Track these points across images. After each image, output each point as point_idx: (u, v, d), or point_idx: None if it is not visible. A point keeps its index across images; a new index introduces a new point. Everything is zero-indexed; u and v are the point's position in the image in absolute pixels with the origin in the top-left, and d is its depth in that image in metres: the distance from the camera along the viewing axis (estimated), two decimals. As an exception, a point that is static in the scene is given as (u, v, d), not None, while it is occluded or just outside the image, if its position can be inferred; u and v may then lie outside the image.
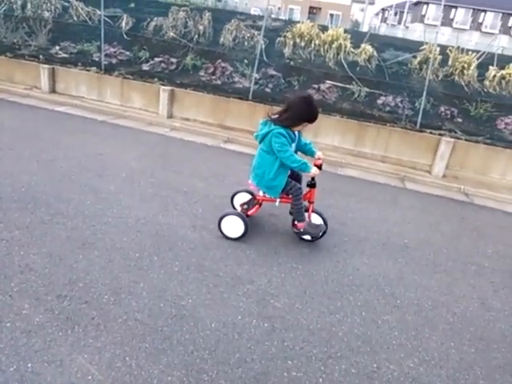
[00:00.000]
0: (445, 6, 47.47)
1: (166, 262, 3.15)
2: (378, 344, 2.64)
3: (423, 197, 5.58)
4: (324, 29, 9.43)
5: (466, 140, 6.32)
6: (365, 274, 3.41)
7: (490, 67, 7.88)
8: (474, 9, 46.59)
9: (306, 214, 3.64)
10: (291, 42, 8.97)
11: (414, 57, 8.26)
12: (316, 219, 3.72)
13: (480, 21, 46.65)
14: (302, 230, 3.59)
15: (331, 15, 45.24)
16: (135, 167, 5.02)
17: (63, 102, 7.82)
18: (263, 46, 8.55)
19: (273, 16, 15.58)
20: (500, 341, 2.84)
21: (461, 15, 47.34)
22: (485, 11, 46.44)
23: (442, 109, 7.22)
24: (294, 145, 3.43)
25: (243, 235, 3.56)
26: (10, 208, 3.61)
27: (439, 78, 7.97)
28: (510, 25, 45.92)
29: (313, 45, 8.89)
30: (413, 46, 8.76)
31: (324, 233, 3.68)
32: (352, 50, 8.64)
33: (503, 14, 45.70)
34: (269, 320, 2.69)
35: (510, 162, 6.14)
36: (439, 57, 8.03)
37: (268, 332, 2.59)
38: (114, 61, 8.93)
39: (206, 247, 3.44)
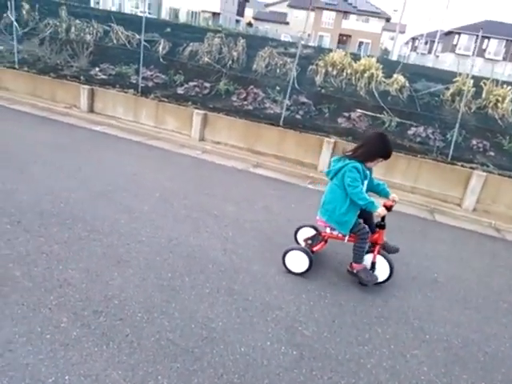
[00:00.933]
0: (477, 36, 47.47)
1: (197, 283, 3.22)
2: (407, 379, 2.61)
3: (453, 230, 5.50)
4: (356, 58, 9.58)
5: (498, 174, 6.23)
6: (394, 307, 3.39)
7: (525, 101, 7.81)
8: (507, 40, 46.18)
9: (369, 256, 3.56)
10: (323, 70, 9.13)
11: (447, 88, 8.26)
12: (381, 262, 3.56)
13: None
14: (355, 271, 3.51)
15: (360, 43, 45.85)
16: (168, 188, 5.17)
17: (100, 122, 8.15)
18: (295, 74, 8.73)
19: (302, 43, 15.93)
20: (534, 384, 2.77)
21: (494, 46, 47.02)
22: (518, 42, 45.92)
23: (474, 142, 7.16)
24: (365, 182, 3.42)
25: (307, 271, 3.55)
26: (50, 223, 3.78)
27: (472, 111, 7.94)
28: (544, 57, 45.22)
29: (345, 73, 9.03)
30: (445, 77, 8.78)
31: (388, 279, 3.56)
32: (384, 79, 8.72)
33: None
34: (297, 348, 2.71)
35: (500, 186, 6.02)
36: (473, 89, 8.01)
37: (296, 360, 2.61)
38: (150, 84, 9.29)
39: (236, 271, 3.50)
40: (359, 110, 8.00)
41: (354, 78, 8.96)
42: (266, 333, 2.80)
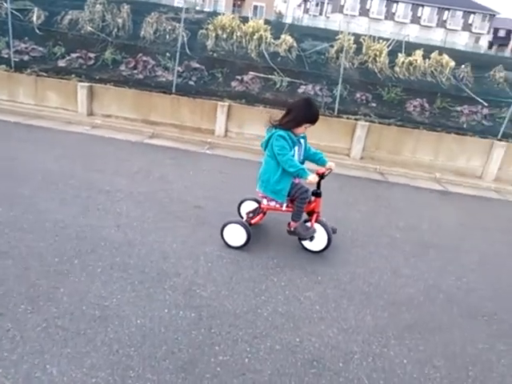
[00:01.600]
0: (362, -4, 49.81)
1: (87, 264, 3.08)
2: (301, 319, 2.79)
3: (342, 178, 5.88)
4: (245, 20, 9.53)
5: (379, 123, 6.74)
6: (288, 255, 3.56)
7: (399, 54, 8.42)
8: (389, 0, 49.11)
9: (309, 224, 3.54)
10: (213, 34, 8.96)
11: (331, 46, 8.60)
12: (319, 231, 3.54)
13: (393, 11, 49.36)
14: (292, 229, 3.54)
15: (255, 7, 45.70)
16: (53, 169, 4.80)
17: (-32, 105, 7.24)
18: (185, 39, 8.47)
19: (197, 8, 15.41)
20: (409, 304, 3.12)
21: (376, 5, 49.82)
22: (397, 2, 49.14)
23: (358, 95, 7.62)
24: (296, 149, 3.38)
25: (245, 244, 3.51)
26: None
27: (355, 66, 8.38)
28: (419, 15, 49.07)
29: (235, 36, 8.96)
30: (330, 36, 9.11)
31: (326, 247, 3.57)
32: (273, 40, 8.82)
33: (413, 4, 48.69)
34: (195, 310, 2.74)
35: (419, 141, 6.65)
36: (354, 45, 8.43)
37: (195, 321, 2.64)
38: (25, 57, 8.39)
39: (131, 245, 3.40)
40: (251, 73, 8.04)
41: (244, 40, 8.93)
42: (164, 301, 2.78)
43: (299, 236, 3.54)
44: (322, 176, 3.35)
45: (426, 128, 6.92)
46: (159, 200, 4.35)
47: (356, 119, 6.70)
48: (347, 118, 6.76)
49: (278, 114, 3.48)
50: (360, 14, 47.96)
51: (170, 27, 9.26)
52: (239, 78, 7.93)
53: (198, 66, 8.27)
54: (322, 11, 54.04)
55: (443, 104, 7.75)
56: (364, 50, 8.53)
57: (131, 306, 2.69)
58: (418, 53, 8.54)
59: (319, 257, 3.63)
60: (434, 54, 8.64)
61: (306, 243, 3.62)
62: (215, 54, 8.55)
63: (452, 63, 8.53)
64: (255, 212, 3.78)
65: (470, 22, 50.08)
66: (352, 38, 8.49)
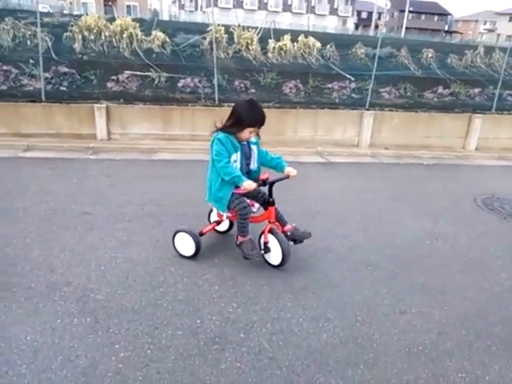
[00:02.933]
0: (233, -12, 50.74)
1: (-39, 292, 2.80)
2: (201, 301, 2.86)
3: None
4: (112, 19, 9.20)
5: (260, 107, 7.03)
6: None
7: (269, 40, 8.82)
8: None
9: (262, 236, 3.28)
10: (80, 36, 8.51)
11: (204, 38, 8.69)
12: (273, 244, 3.23)
13: (265, 1, 51.15)
14: (238, 243, 3.27)
15: (128, 6, 44.06)
16: None
17: None
18: (50, 44, 7.93)
19: (65, 12, 14.44)
20: (301, 267, 3.37)
21: (250, -3, 51.17)
22: (267, -9, 50.89)
23: (237, 83, 7.85)
24: (238, 155, 3.08)
25: (195, 254, 3.32)
26: None
27: (230, 56, 8.59)
28: (289, 3, 51.52)
29: (103, 37, 8.61)
30: (202, 29, 9.19)
31: (282, 263, 3.23)
32: (144, 37, 8.65)
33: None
34: (91, 314, 2.66)
35: (298, 119, 7.08)
36: (225, 36, 8.63)
37: (91, 325, 2.57)
38: None
39: (13, 263, 3.16)
40: (127, 72, 7.81)
41: (114, 39, 8.62)
42: (55, 312, 2.66)
43: (243, 253, 3.24)
44: (264, 183, 3.11)
45: (302, 107, 7.38)
46: (41, 213, 4.08)
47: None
48: (228, 106, 6.94)
49: (225, 115, 3.16)
50: (234, 6, 48.82)
51: (29, 33, 8.59)
52: (115, 78, 7.66)
53: (67, 70, 7.81)
54: (197, 6, 53.95)
55: (316, 83, 8.31)
56: (236, 40, 8.78)
57: (18, 324, 2.53)
58: (286, 38, 9.03)
59: (215, 241, 3.73)
60: (301, 38, 9.21)
61: (266, 256, 3.33)
62: (85, 57, 8.14)
63: (318, 44, 9.17)
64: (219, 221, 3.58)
65: (335, 6, 53.84)
66: (222, 28, 8.68)
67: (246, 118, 3.00)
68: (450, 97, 8.70)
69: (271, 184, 3.17)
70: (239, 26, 8.98)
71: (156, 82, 7.67)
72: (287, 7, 51.82)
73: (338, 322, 2.77)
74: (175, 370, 2.29)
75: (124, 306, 2.78)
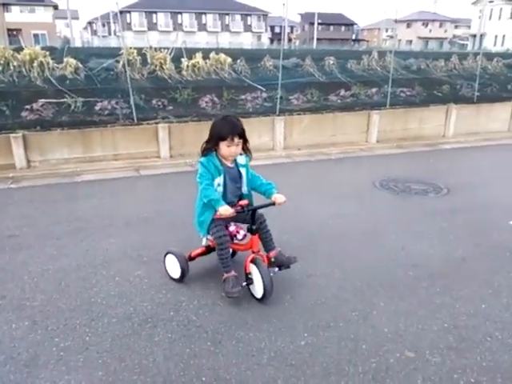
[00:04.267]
0: (146, 12, 50.98)
1: None
2: (133, 294, 3.18)
3: (157, 178, 6.37)
4: (20, 49, 9.17)
5: (178, 122, 7.42)
6: (114, 250, 3.88)
7: (182, 59, 9.28)
8: (172, 12, 51.27)
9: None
10: (-17, 69, 8.40)
11: (117, 61, 8.95)
12: (256, 275, 2.99)
13: (180, 22, 51.87)
14: (223, 278, 3.05)
15: (35, 35, 42.58)
16: None
17: None
18: None
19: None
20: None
21: (163, 18, 51.60)
22: (181, 13, 51.73)
23: (154, 101, 8.19)
24: (221, 178, 3.00)
25: (181, 278, 3.28)
26: None
27: (145, 76, 8.93)
28: (204, 22, 52.63)
29: (12, 67, 8.57)
30: (114, 52, 9.45)
31: (264, 296, 2.99)
32: (56, 65, 8.73)
33: (196, 13, 51.95)
34: (28, 318, 2.88)
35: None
36: (139, 58, 8.97)
37: (30, 327, 2.79)
38: None
39: None
40: (41, 100, 7.84)
41: (24, 69, 8.62)
42: (-7, 322, 2.84)
43: (225, 292, 3.02)
44: (243, 209, 2.94)
45: (219, 118, 7.90)
46: (-34, 242, 4.14)
47: (156, 123, 7.24)
48: (147, 124, 7.26)
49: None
50: (149, 29, 49.00)
51: None
52: (29, 107, 7.66)
53: (-25, 104, 7.68)
54: (110, 31, 53.32)
55: (230, 96, 8.87)
56: (150, 60, 9.14)
57: (-43, 337, 2.69)
58: (198, 55, 9.55)
59: (142, 244, 4.04)
60: (212, 54, 9.79)
61: (250, 287, 3.10)
62: (-5, 88, 8.06)
63: (229, 59, 9.79)
64: None
65: (249, 23, 55.89)
66: (135, 51, 9.01)
67: (216, 130, 2.95)
68: (351, 98, 9.67)
69: (253, 211, 3.01)
70: (151, 47, 9.35)
71: (72, 107, 7.79)
72: (202, 26, 52.92)
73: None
74: (113, 348, 2.60)
75: (60, 307, 3.02)
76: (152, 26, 50.53)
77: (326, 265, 3.60)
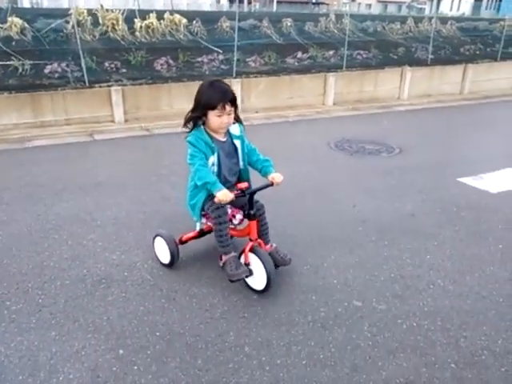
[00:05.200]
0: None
1: None
2: (86, 257, 3.17)
3: (112, 142, 6.21)
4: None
5: (131, 85, 7.19)
6: (66, 215, 3.82)
7: (135, 20, 8.89)
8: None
9: (242, 256, 2.74)
10: None
11: (67, 22, 8.46)
12: (256, 265, 2.68)
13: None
14: (221, 264, 2.75)
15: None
16: None
17: None
18: None
19: None
20: (172, 219, 3.80)
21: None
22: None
23: (107, 64, 7.86)
24: (215, 157, 2.64)
25: (171, 264, 2.98)
26: None
27: (97, 38, 8.50)
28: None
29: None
30: (64, 13, 8.89)
31: (266, 288, 2.69)
32: (0, 25, 8.16)
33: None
34: (-23, 284, 2.83)
35: (171, 94, 7.39)
36: (89, 18, 8.51)
37: (-22, 293, 2.75)
38: None
39: None
40: (-17, 62, 7.35)
41: (-38, 29, 8.01)
42: None
43: (227, 274, 2.70)
44: (243, 193, 2.60)
45: (175, 81, 7.69)
46: None
47: (109, 86, 6.98)
48: (100, 87, 6.99)
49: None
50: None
51: None
52: (-30, 70, 7.18)
53: None
54: (59, -10, 49.81)
55: (186, 58, 8.63)
56: (101, 21, 8.69)
57: None
58: (152, 16, 9.16)
59: (94, 206, 3.99)
60: (167, 15, 9.41)
61: (248, 280, 2.77)
62: None
63: (184, 20, 9.46)
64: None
65: (207, -16, 53.69)
66: (85, 11, 8.55)
67: (203, 98, 2.54)
68: (308, 60, 9.63)
69: (251, 194, 2.65)
70: (102, 7, 8.87)
71: (20, 69, 7.35)
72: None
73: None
74: (66, 309, 2.60)
75: (11, 271, 2.98)
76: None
77: (280, 223, 3.69)
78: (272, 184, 2.71)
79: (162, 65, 8.24)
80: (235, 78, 8.03)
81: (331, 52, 10.05)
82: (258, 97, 8.04)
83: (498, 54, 11.58)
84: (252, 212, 2.68)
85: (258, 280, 2.72)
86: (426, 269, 3.11)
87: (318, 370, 2.19)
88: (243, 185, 2.63)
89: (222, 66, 8.74)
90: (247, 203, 2.68)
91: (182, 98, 7.51)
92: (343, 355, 2.28)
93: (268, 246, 2.90)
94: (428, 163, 5.36)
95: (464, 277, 3.03)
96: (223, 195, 2.46)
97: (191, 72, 8.28)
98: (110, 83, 7.15)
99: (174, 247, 2.93)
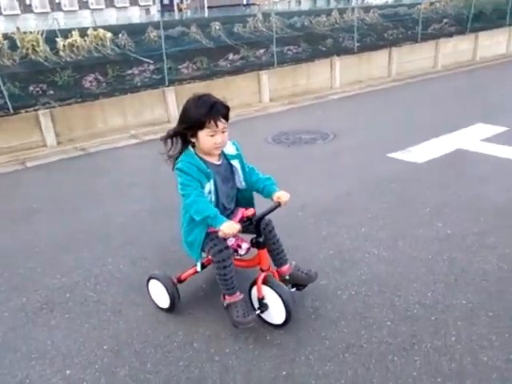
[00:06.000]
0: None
1: None
2: (24, 284, 3.07)
3: (46, 167, 5.97)
4: None
5: (60, 106, 7.00)
6: (1, 247, 3.68)
7: (57, 39, 8.63)
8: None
9: (253, 291, 2.42)
10: None
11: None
12: (272, 298, 2.33)
13: (58, 1, 47.56)
14: (225, 304, 2.40)
15: None
16: None
17: None
18: None
19: None
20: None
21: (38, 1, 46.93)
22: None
23: (32, 88, 7.58)
24: (211, 184, 2.28)
25: (171, 308, 2.60)
26: None
27: (17, 62, 8.19)
28: (85, 0, 48.87)
29: None
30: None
31: (286, 322, 2.36)
32: None
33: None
34: None
35: (104, 110, 7.25)
36: (5, 42, 8.19)
37: None
38: None
39: None
40: None
41: None
42: None
43: (231, 320, 2.36)
44: (250, 221, 2.31)
45: (106, 97, 7.55)
46: None
47: (36, 110, 6.75)
48: (26, 112, 6.74)
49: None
50: (22, 12, 44.37)
51: None
52: None
53: None
54: (-24, 18, 47.41)
55: (116, 72, 8.49)
56: (20, 44, 8.38)
57: None
58: (75, 33, 8.93)
59: (33, 233, 3.86)
60: (90, 31, 9.21)
61: (264, 314, 2.44)
62: None
63: (109, 34, 9.28)
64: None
65: (134, -4, 52.87)
66: (0, 35, 8.22)
67: (191, 115, 2.19)
68: (241, 61, 9.74)
69: (258, 221, 2.31)
70: (18, 30, 8.55)
71: None
72: (84, 4, 49.06)
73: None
74: (6, 341, 2.53)
75: None
76: (26, 9, 45.78)
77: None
78: (279, 204, 2.34)
79: (91, 82, 8.06)
80: (168, 86, 7.99)
81: (262, 50, 10.22)
82: (193, 102, 8.04)
83: (418, 36, 12.22)
84: (261, 240, 2.32)
85: (275, 314, 2.37)
86: (361, 241, 3.27)
87: (266, 350, 2.26)
88: (249, 212, 2.31)
89: (154, 76, 8.66)
90: (255, 230, 2.32)
91: (116, 112, 7.41)
92: (288, 332, 2.37)
93: (286, 267, 2.55)
94: (360, 144, 5.59)
95: (396, 242, 3.22)
96: (229, 228, 2.10)
97: (123, 86, 8.15)
98: (36, 107, 6.91)
99: (173, 289, 2.55)
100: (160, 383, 2.13)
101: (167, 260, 3.21)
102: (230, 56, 9.83)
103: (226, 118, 2.23)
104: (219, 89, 8.30)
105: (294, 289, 2.58)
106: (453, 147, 5.20)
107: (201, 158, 2.27)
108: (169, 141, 2.30)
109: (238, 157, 2.42)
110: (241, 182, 2.45)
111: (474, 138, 5.49)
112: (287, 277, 2.55)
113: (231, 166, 2.40)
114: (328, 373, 2.11)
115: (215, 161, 2.34)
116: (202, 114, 2.13)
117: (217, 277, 2.33)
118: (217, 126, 2.15)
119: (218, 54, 9.82)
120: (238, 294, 2.37)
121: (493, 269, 2.85)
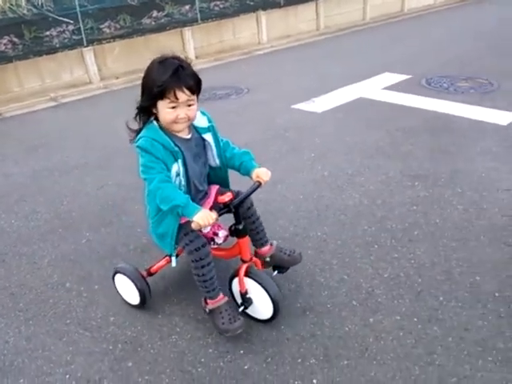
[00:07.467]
0: None
1: None
2: None
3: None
4: None
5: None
6: None
7: (-36, -1, 8.14)
8: None
9: (235, 283, 2.14)
10: None
11: None
12: (256, 291, 2.08)
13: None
14: (207, 310, 2.06)
15: None
16: None
17: None
18: None
19: None
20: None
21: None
22: None
23: None
24: (180, 163, 1.93)
25: (142, 303, 2.29)
26: None
27: None
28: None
29: None
30: None
31: (273, 317, 2.12)
32: None
33: None
34: None
35: (19, 73, 7.10)
36: None
37: None
38: None
39: None
40: None
41: None
42: None
43: (216, 328, 2.06)
44: (227, 207, 1.93)
45: (22, 59, 7.33)
46: None
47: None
48: None
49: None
50: None
51: None
52: None
53: None
54: None
55: (33, 34, 8.16)
56: None
57: None
58: (-16, -8, 8.43)
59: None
60: (2, -10, 8.71)
61: (249, 310, 2.16)
62: None
63: (23, -6, 8.82)
64: None
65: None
66: None
67: (149, 80, 1.86)
68: (165, 18, 9.54)
69: (236, 206, 1.97)
70: None
71: None
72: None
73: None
74: None
75: None
76: None
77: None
78: (260, 184, 2.05)
79: (5, 45, 7.71)
80: (87, 46, 7.81)
81: (187, 7, 10.00)
82: (115, 62, 7.95)
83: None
84: (240, 227, 2.01)
85: (261, 308, 2.12)
86: (244, 188, 3.52)
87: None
88: (226, 197, 1.91)
89: (74, 37, 8.36)
90: (233, 215, 1.99)
91: (32, 76, 7.27)
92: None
93: (267, 248, 2.28)
94: (271, 98, 5.79)
95: (275, 186, 3.50)
96: (203, 218, 1.77)
97: (40, 47, 7.87)
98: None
99: (143, 283, 2.24)
100: (28, 320, 2.35)
101: (59, 213, 3.38)
102: (154, 13, 9.59)
103: (192, 90, 1.84)
104: (141, 47, 8.27)
105: (275, 272, 2.32)
106: (355, 96, 5.50)
107: (166, 133, 1.90)
108: (137, 118, 1.98)
109: (211, 129, 2.06)
110: (214, 159, 2.10)
111: (377, 86, 5.80)
112: (268, 259, 2.28)
113: (203, 140, 2.05)
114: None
115: (184, 135, 1.97)
116: (161, 80, 1.77)
117: (194, 277, 2.01)
118: (176, 97, 1.79)
119: (141, 11, 9.51)
120: (221, 296, 2.05)
121: (354, 204, 3.19)
